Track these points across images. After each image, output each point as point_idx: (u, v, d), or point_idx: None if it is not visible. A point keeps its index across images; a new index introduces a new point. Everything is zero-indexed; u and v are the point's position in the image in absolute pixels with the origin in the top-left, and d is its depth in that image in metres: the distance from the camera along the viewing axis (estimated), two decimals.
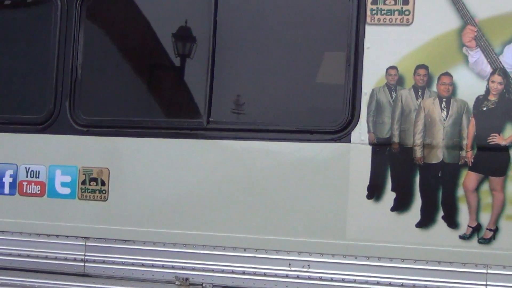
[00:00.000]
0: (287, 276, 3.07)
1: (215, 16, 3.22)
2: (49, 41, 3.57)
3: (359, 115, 3.05)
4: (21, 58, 3.77)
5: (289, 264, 3.06)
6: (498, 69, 2.89)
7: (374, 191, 2.98)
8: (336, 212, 3.05)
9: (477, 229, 2.88)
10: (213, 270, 3.17)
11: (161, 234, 3.25)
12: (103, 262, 3.36)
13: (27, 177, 3.49)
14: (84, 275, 3.38)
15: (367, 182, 3.00)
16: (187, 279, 3.16)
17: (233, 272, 3.14)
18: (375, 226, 3.02)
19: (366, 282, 2.99)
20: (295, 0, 3.33)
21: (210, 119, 3.22)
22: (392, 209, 2.96)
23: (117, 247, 3.35)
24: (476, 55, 2.94)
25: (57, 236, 3.43)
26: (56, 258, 3.42)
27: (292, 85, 3.29)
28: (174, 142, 3.32)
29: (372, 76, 3.06)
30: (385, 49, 3.09)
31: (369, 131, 3.02)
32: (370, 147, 3.02)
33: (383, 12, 3.05)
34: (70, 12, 3.51)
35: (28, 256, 3.47)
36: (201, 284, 3.16)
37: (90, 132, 3.45)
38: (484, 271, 2.85)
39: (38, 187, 3.46)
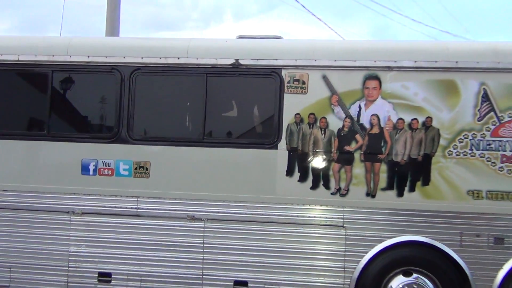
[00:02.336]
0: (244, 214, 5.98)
1: None
2: (115, 95, 6.19)
3: (281, 136, 5.94)
4: (98, 105, 6.38)
5: (247, 207, 5.98)
6: (348, 115, 5.92)
7: (289, 172, 5.98)
8: (270, 182, 5.99)
9: (339, 189, 5.92)
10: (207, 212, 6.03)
11: (177, 194, 6.08)
12: (146, 209, 6.07)
13: (103, 166, 6.17)
14: (136, 216, 6.13)
15: (285, 168, 5.95)
16: (193, 216, 6.06)
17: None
18: (290, 189, 5.87)
19: (285, 219, 5.93)
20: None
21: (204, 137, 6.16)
22: (298, 180, 5.90)
23: (153, 201, 6.05)
24: (337, 109, 5.85)
25: (121, 196, 6.11)
26: (121, 208, 6.09)
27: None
28: (182, 149, 6.19)
29: (287, 117, 5.92)
30: (293, 105, 5.93)
31: (286, 144, 5.96)
32: (286, 151, 5.96)
33: (293, 87, 6.07)
34: (126, 80, 6.16)
35: (104, 207, 6.11)
36: (201, 218, 6.03)
37: (138, 143, 6.12)
38: (342, 209, 5.87)
39: (109, 171, 6.15)
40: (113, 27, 11.05)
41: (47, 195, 6.19)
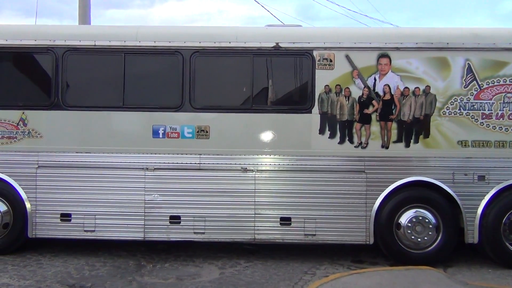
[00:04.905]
0: (286, 165, 7.59)
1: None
2: (178, 73, 7.57)
3: (314, 103, 7.54)
4: (164, 81, 7.68)
5: (288, 160, 7.59)
6: (366, 85, 7.57)
7: (321, 131, 7.57)
8: (306, 139, 7.58)
9: (360, 143, 7.59)
10: (257, 164, 7.59)
11: (232, 151, 7.59)
12: (207, 163, 7.51)
13: (170, 130, 7.55)
14: (199, 169, 7.57)
15: (318, 128, 7.54)
16: (246, 168, 7.63)
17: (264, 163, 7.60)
18: (322, 144, 7.47)
19: (319, 167, 7.55)
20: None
21: (253, 105, 7.72)
22: (328, 137, 7.54)
23: (213, 157, 7.51)
24: (357, 81, 7.46)
25: (186, 154, 7.53)
26: (186, 163, 7.51)
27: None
28: (235, 115, 7.68)
29: (319, 88, 7.52)
30: (323, 78, 7.55)
31: (318, 109, 7.57)
32: (319, 115, 7.55)
33: (322, 64, 7.70)
34: (187, 61, 7.56)
35: (172, 163, 7.50)
36: (252, 170, 7.58)
37: (199, 111, 7.53)
38: (363, 158, 7.59)
39: (176, 134, 7.54)
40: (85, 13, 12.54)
41: (125, 155, 7.59)
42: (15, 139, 7.65)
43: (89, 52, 7.68)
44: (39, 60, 7.84)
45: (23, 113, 7.66)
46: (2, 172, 7.68)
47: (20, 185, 7.66)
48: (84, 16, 12.42)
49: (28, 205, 7.65)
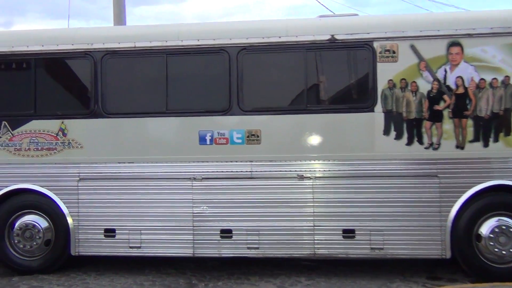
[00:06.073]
0: (347, 171, 6.81)
1: None
2: (224, 73, 6.91)
3: (377, 100, 6.76)
4: (209, 82, 7.03)
5: (349, 165, 6.78)
6: (435, 79, 6.71)
7: (386, 131, 6.72)
8: (369, 141, 6.76)
9: (431, 144, 6.71)
10: (315, 171, 6.82)
11: (287, 156, 6.84)
12: (260, 171, 6.84)
13: (218, 136, 6.91)
14: (251, 178, 6.89)
15: (382, 128, 6.73)
16: (302, 175, 6.87)
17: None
18: (387, 146, 6.67)
19: (384, 173, 6.71)
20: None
21: (307, 105, 6.95)
22: (394, 138, 6.69)
23: (266, 164, 6.82)
24: (425, 73, 6.64)
25: (236, 161, 6.87)
26: (237, 172, 6.86)
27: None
28: (289, 117, 6.97)
29: (381, 84, 6.73)
30: (385, 72, 6.73)
31: (381, 107, 6.73)
32: (382, 113, 6.74)
33: (384, 56, 6.90)
34: (234, 59, 6.90)
35: (221, 172, 6.87)
36: (309, 177, 6.83)
37: (249, 113, 6.85)
38: (435, 161, 6.62)
39: (224, 140, 6.89)
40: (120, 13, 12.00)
41: (170, 164, 6.99)
42: (54, 151, 7.19)
43: (129, 54, 7.15)
44: (77, 66, 7.36)
45: (62, 122, 7.19)
46: (42, 186, 7.23)
47: (61, 199, 7.19)
48: (119, 16, 11.90)
49: (70, 220, 7.17)
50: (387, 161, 6.69)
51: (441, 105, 6.66)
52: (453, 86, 6.65)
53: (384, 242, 6.64)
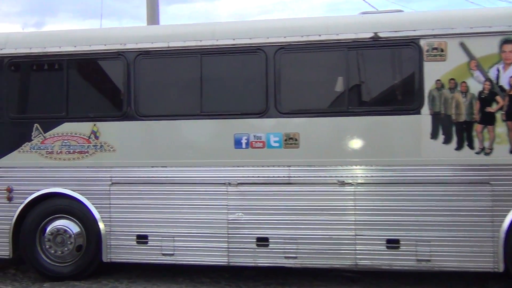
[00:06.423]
0: (392, 177, 6.38)
1: None
2: (261, 73, 6.60)
3: (424, 102, 6.30)
4: (246, 83, 6.76)
5: (394, 170, 6.36)
6: (487, 78, 6.25)
7: (433, 135, 6.26)
8: (415, 146, 6.32)
9: (483, 149, 6.23)
10: (357, 176, 6.41)
11: (327, 161, 6.49)
12: (298, 177, 6.50)
13: (254, 139, 6.59)
14: (289, 183, 6.55)
15: (430, 131, 6.29)
16: (343, 181, 6.48)
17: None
18: (435, 151, 6.23)
19: (432, 179, 6.26)
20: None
21: (349, 107, 6.56)
22: (443, 143, 6.25)
23: (304, 169, 6.48)
24: (476, 73, 6.20)
25: (273, 166, 6.56)
26: (274, 177, 6.54)
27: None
28: (329, 119, 6.59)
29: (429, 84, 6.31)
30: (433, 72, 6.30)
31: (429, 109, 6.29)
32: (430, 116, 6.31)
33: (432, 55, 6.47)
34: (271, 59, 6.57)
35: (258, 177, 6.56)
36: (351, 183, 6.43)
37: (286, 116, 6.52)
38: (487, 167, 6.14)
39: (261, 144, 6.56)
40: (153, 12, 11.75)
41: (204, 168, 6.70)
42: (86, 154, 6.99)
43: (163, 55, 6.90)
44: (110, 66, 7.15)
45: (95, 125, 6.98)
46: (74, 190, 7.03)
47: (93, 204, 6.98)
48: (153, 15, 11.69)
49: (101, 226, 6.96)
50: (435, 167, 6.26)
51: (494, 107, 6.20)
52: (506, 87, 6.19)
53: (431, 253, 6.21)
